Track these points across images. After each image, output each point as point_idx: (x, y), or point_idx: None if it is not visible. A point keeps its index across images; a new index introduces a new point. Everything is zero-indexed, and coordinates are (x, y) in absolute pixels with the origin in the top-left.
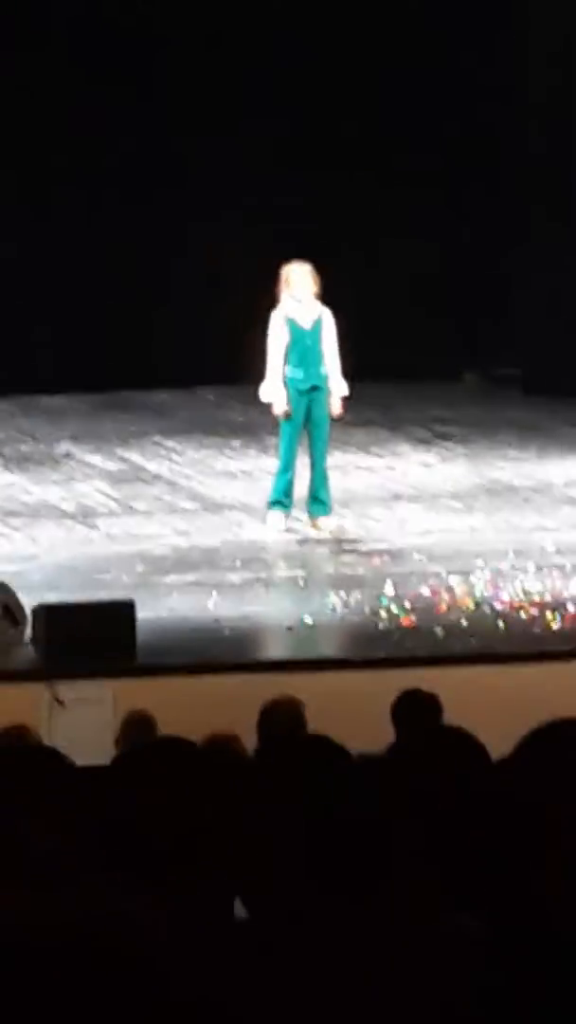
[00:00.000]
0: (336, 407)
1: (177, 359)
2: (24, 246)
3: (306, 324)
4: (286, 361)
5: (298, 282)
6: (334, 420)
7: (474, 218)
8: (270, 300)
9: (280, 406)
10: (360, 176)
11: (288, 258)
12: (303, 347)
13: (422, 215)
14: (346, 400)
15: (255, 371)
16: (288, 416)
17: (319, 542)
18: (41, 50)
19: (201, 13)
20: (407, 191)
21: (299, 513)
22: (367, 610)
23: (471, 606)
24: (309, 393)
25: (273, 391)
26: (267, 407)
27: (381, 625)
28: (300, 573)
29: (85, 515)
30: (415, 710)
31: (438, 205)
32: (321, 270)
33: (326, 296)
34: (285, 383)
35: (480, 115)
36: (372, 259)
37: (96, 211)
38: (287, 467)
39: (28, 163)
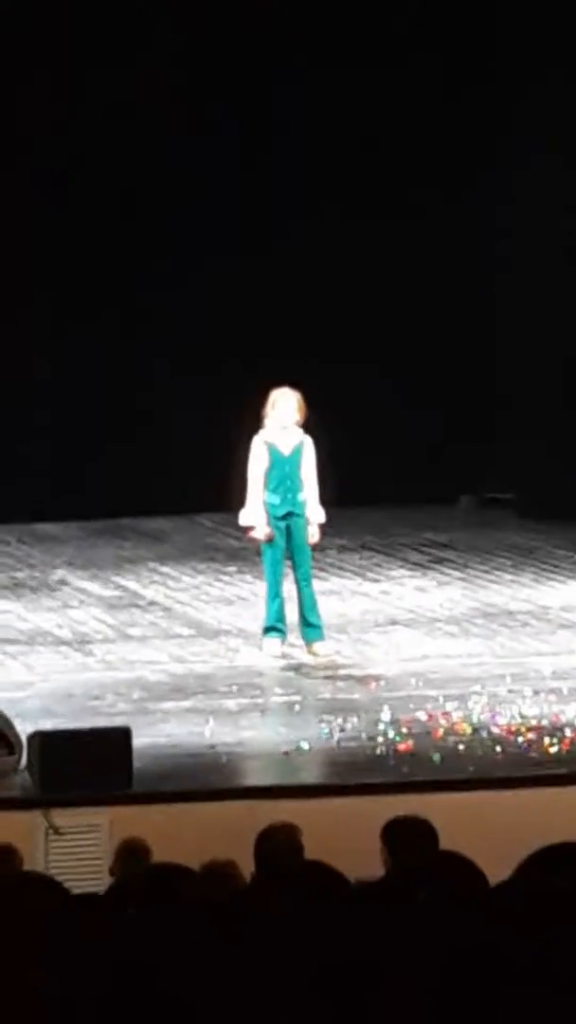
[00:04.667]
0: (313, 534)
1: (172, 486)
2: (20, 375)
3: (286, 450)
4: (265, 486)
5: (283, 408)
6: (312, 547)
7: (468, 340)
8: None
9: (260, 530)
10: (351, 302)
11: (281, 384)
12: (281, 473)
13: (416, 341)
14: (323, 527)
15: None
16: (269, 539)
17: (314, 667)
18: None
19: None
20: (399, 318)
21: (295, 639)
22: (363, 735)
23: (468, 731)
24: (286, 519)
25: (252, 515)
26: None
27: (378, 750)
28: (296, 698)
29: (81, 642)
30: (404, 837)
31: (432, 333)
32: (317, 395)
33: (321, 421)
34: (264, 508)
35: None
36: (369, 385)
37: (90, 335)
38: (275, 592)
39: (24, 299)
